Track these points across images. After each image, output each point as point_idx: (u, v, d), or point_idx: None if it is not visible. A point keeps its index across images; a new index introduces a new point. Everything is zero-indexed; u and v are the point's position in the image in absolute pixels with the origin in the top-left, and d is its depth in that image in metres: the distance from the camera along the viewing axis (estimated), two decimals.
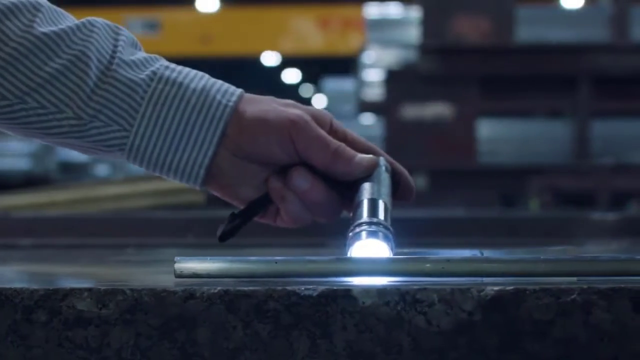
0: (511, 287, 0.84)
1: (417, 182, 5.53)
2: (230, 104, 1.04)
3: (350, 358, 0.84)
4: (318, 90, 19.66)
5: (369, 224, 0.99)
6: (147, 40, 16.19)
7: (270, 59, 21.79)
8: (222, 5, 17.64)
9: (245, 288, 0.85)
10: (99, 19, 1.07)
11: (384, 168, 1.07)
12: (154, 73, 1.05)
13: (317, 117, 1.08)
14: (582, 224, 2.09)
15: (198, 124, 1.04)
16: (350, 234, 1.00)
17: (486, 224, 2.10)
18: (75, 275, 1.21)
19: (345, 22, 15.39)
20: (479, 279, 0.89)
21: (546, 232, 2.08)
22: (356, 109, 8.30)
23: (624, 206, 5.53)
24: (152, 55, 1.08)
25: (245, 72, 23.73)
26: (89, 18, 1.07)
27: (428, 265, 0.90)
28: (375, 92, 7.12)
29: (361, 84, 7.88)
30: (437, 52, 5.58)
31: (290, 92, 27.12)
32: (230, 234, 1.06)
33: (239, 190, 1.07)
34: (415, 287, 0.84)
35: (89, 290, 0.85)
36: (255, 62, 22.07)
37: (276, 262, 0.92)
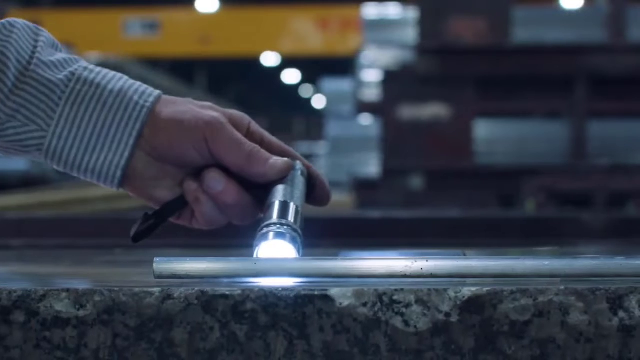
0: (488, 288, 0.84)
1: (414, 182, 5.53)
2: (147, 104, 1.05)
3: (327, 359, 0.84)
4: (318, 90, 19.67)
5: (277, 224, 1.00)
6: (146, 40, 16.18)
7: (270, 59, 21.79)
8: (222, 6, 17.63)
9: (223, 289, 0.85)
10: (20, 20, 1.07)
11: (299, 172, 1.09)
12: (72, 74, 1.05)
13: (234, 119, 1.08)
14: (573, 224, 2.09)
15: (115, 125, 1.04)
16: (258, 234, 1.00)
17: (476, 224, 2.10)
18: (57, 275, 1.21)
19: (344, 23, 15.39)
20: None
21: (537, 233, 2.07)
22: (354, 109, 8.30)
23: (622, 207, 5.53)
24: (72, 57, 1.08)
25: (245, 72, 23.74)
26: (9, 19, 1.07)
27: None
28: (373, 93, 7.13)
29: (359, 84, 7.89)
30: (433, 52, 5.59)
31: (291, 92, 27.12)
32: (144, 234, 1.07)
33: (155, 192, 1.08)
34: (392, 288, 0.84)
35: (67, 291, 0.85)
36: (255, 62, 22.07)
37: (255, 262, 0.92)
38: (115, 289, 0.85)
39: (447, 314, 0.84)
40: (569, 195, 5.41)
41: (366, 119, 8.07)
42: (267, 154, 1.07)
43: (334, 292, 0.84)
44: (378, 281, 0.89)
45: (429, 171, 5.63)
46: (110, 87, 1.05)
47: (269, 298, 0.85)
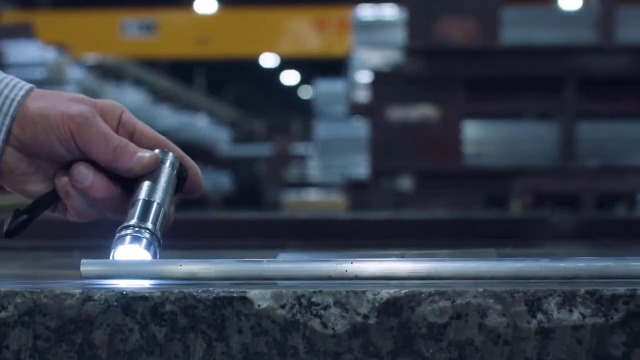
0: (406, 291, 0.84)
1: (403, 183, 5.53)
2: (18, 98, 1.05)
3: None
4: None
5: (136, 228, 1.01)
6: (144, 42, 16.18)
7: (269, 60, 21.78)
8: (220, 8, 17.63)
9: (143, 291, 0.85)
10: None
11: (168, 164, 1.08)
12: None
13: (104, 111, 1.08)
14: (542, 226, 2.08)
15: None
16: (117, 235, 1.01)
17: (446, 226, 2.09)
18: None
19: (342, 24, 15.38)
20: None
21: (506, 235, 2.07)
22: (347, 111, 8.29)
23: (612, 208, 5.52)
24: None
25: (244, 73, 23.74)
26: None
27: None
28: (365, 94, 7.12)
29: (352, 86, 7.88)
30: (423, 54, 5.58)
31: (290, 93, 27.11)
32: (18, 230, 1.07)
33: (28, 186, 1.08)
34: (311, 290, 0.84)
35: None
36: (254, 64, 22.06)
37: (181, 264, 0.92)
38: (37, 290, 0.85)
39: (366, 317, 0.84)
40: (556, 197, 5.40)
41: (358, 121, 8.06)
42: (134, 148, 1.06)
43: (252, 294, 0.84)
44: (299, 283, 0.89)
45: (418, 172, 5.62)
46: None
47: (189, 300, 0.85)
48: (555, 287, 0.85)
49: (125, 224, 1.02)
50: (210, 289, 0.85)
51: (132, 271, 0.93)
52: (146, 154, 1.06)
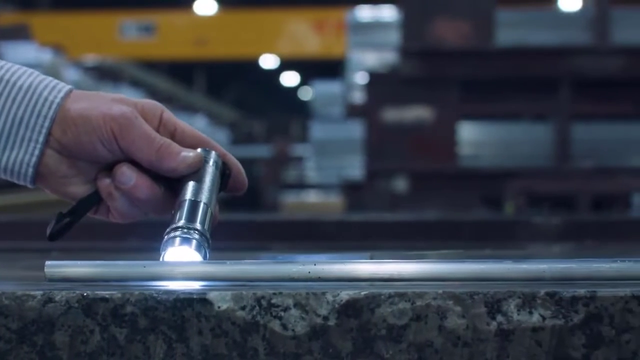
0: (366, 292, 0.84)
1: (398, 184, 5.53)
2: (57, 100, 1.04)
3: None
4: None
5: (185, 229, 1.00)
6: (143, 43, 16.19)
7: (269, 61, 21.79)
8: (219, 9, 17.63)
9: (103, 292, 0.85)
10: None
11: (211, 162, 1.07)
12: None
13: (145, 110, 1.07)
14: (525, 227, 2.08)
15: (25, 122, 1.04)
16: (165, 237, 1.00)
17: (431, 227, 2.10)
18: None
19: (340, 25, 15.38)
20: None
21: (490, 236, 2.07)
22: (344, 112, 8.30)
23: (607, 209, 5.52)
24: None
25: (244, 74, 23.74)
26: None
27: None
28: (360, 95, 7.12)
29: (348, 87, 7.88)
30: (417, 55, 5.58)
31: (290, 94, 27.11)
32: (60, 233, 1.06)
33: (69, 188, 1.07)
34: (271, 291, 0.84)
35: None
36: (254, 65, 22.06)
37: (144, 266, 0.92)
38: None
39: (325, 318, 0.84)
40: (550, 198, 5.40)
41: (354, 121, 8.07)
42: (177, 148, 1.05)
43: (212, 295, 0.84)
44: (260, 285, 0.89)
45: (413, 173, 5.62)
46: (19, 83, 1.04)
47: (149, 301, 0.85)
48: (515, 288, 0.85)
49: (174, 225, 1.00)
50: (170, 290, 0.85)
51: (95, 273, 0.93)
52: (190, 153, 1.05)
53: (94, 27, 15.67)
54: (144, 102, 1.08)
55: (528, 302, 0.84)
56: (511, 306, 0.84)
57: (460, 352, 0.84)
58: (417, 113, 5.61)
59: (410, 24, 5.69)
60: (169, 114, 1.09)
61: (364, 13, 8.06)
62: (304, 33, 16.67)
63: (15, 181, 1.07)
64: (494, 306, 0.84)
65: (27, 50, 6.92)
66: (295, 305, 0.84)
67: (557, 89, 5.76)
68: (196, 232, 1.00)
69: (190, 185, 1.05)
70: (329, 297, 0.84)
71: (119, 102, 1.06)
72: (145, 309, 0.84)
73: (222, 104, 22.73)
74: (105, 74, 10.73)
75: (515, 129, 6.13)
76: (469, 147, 5.94)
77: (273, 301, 0.84)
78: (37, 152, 1.04)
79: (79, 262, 0.93)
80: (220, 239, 2.26)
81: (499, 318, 0.84)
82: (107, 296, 0.85)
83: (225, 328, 0.84)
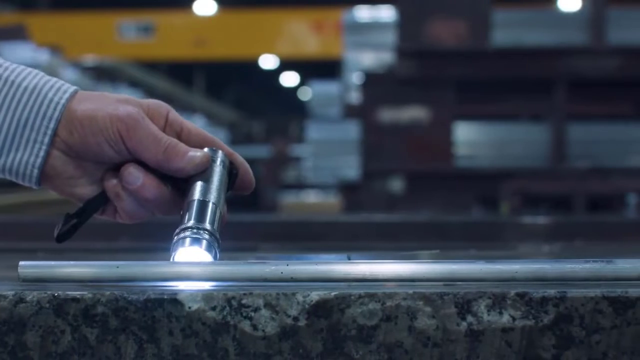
0: (336, 292, 0.84)
1: (394, 185, 5.53)
2: (62, 101, 1.04)
3: None
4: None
5: (194, 229, 1.00)
6: (141, 43, 16.18)
7: (268, 62, 21.79)
8: (217, 9, 17.63)
9: (74, 292, 0.85)
10: None
11: (218, 162, 1.07)
12: None
13: (151, 110, 1.07)
14: (514, 228, 2.08)
15: (30, 123, 1.03)
16: (175, 238, 1.00)
17: (419, 227, 2.10)
18: None
19: (339, 25, 15.38)
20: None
21: (479, 236, 2.07)
22: (341, 112, 8.29)
23: (604, 210, 5.52)
24: None
25: (244, 75, 23.74)
26: None
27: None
28: (357, 96, 7.12)
29: (346, 87, 7.88)
30: (413, 55, 5.57)
31: (289, 94, 27.10)
32: (67, 234, 1.06)
33: (76, 189, 1.07)
34: (241, 292, 0.84)
35: None
36: (254, 65, 22.06)
37: (118, 266, 0.92)
38: None
39: (295, 318, 0.84)
40: (545, 198, 5.40)
41: (351, 122, 8.07)
42: (184, 148, 1.05)
43: (182, 296, 0.84)
44: (230, 285, 0.89)
45: (409, 174, 5.62)
46: (24, 84, 1.04)
47: (119, 302, 0.85)
48: (486, 289, 0.85)
49: (183, 226, 1.00)
50: (141, 291, 0.85)
51: (68, 273, 0.93)
52: (197, 153, 1.05)
53: (92, 27, 15.66)
54: (150, 102, 1.08)
55: (498, 303, 0.84)
56: (481, 307, 0.84)
57: (430, 352, 0.84)
58: (413, 113, 5.61)
59: (406, 24, 5.69)
60: (174, 114, 1.09)
61: (362, 13, 8.06)
62: (303, 33, 16.66)
63: (21, 182, 1.07)
64: (464, 307, 0.84)
65: (24, 51, 6.92)
66: (265, 305, 0.84)
67: (553, 89, 5.75)
68: (206, 232, 1.00)
69: (198, 185, 1.05)
70: (299, 297, 0.84)
71: (124, 103, 1.05)
72: (116, 310, 0.85)
73: (222, 105, 22.73)
74: (104, 75, 10.73)
75: (512, 129, 6.12)
76: (465, 148, 5.94)
77: (243, 301, 0.84)
78: (42, 153, 1.04)
79: (52, 263, 0.93)
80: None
81: (469, 318, 0.84)
82: (78, 296, 0.85)
83: (195, 328, 0.84)
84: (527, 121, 6.44)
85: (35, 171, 1.04)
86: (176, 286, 0.89)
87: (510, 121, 6.23)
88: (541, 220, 2.13)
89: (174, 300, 0.84)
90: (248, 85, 25.76)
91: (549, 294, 0.84)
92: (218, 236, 1.01)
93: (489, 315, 0.84)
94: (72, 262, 0.93)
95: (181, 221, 1.01)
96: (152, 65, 17.29)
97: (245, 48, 17.04)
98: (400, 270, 0.90)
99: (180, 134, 1.08)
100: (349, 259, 1.06)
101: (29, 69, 1.06)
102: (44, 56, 7.18)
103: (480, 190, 5.63)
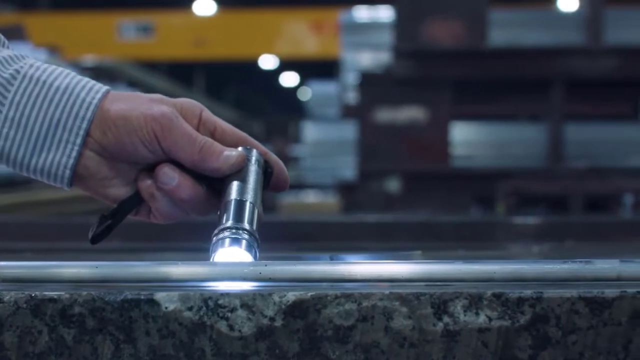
0: (312, 293, 0.84)
1: (391, 185, 5.53)
2: (95, 101, 1.02)
3: None
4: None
5: (233, 229, 0.99)
6: (141, 43, 16.19)
7: (268, 62, 21.79)
8: (217, 9, 17.63)
9: (52, 293, 0.85)
10: None
11: (253, 161, 1.06)
12: (17, 71, 1.03)
13: (185, 110, 1.06)
14: (504, 228, 2.08)
15: (62, 124, 1.02)
16: (214, 238, 0.99)
17: (411, 227, 2.10)
18: None
19: (338, 26, 15.38)
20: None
21: (470, 236, 2.07)
22: (339, 112, 8.29)
23: (603, 210, 5.51)
24: (18, 54, 1.06)
25: (243, 75, 23.74)
26: None
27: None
28: (354, 96, 7.12)
29: (344, 87, 7.88)
30: (410, 55, 5.57)
31: (289, 95, 27.10)
32: (101, 236, 1.05)
33: (110, 190, 1.06)
34: (218, 292, 0.84)
35: None
36: (253, 65, 22.06)
37: (97, 267, 0.93)
38: None
39: (272, 319, 0.84)
40: (542, 198, 5.40)
41: (349, 122, 8.08)
42: (220, 147, 1.04)
43: (159, 296, 0.84)
44: (207, 285, 0.89)
45: (406, 174, 5.62)
46: (56, 84, 1.03)
47: (97, 302, 0.85)
48: (462, 289, 0.85)
49: (222, 226, 0.99)
50: (118, 291, 0.85)
51: (46, 273, 0.93)
52: (233, 153, 1.04)
53: (92, 27, 15.66)
54: (183, 102, 1.07)
55: (474, 303, 0.84)
56: (457, 307, 0.84)
57: (407, 353, 0.84)
58: (410, 113, 5.61)
59: (403, 24, 5.69)
60: (208, 113, 1.08)
61: (361, 14, 8.06)
62: (303, 33, 16.67)
63: (52, 183, 1.06)
64: (441, 307, 0.84)
65: (22, 51, 6.89)
66: (242, 306, 0.84)
67: (551, 90, 5.75)
68: (245, 232, 0.99)
69: (235, 184, 1.03)
70: (276, 298, 0.84)
71: (158, 102, 1.04)
72: (93, 310, 0.85)
73: (222, 105, 22.72)
74: (103, 75, 10.73)
75: (509, 129, 6.12)
76: (462, 148, 5.94)
77: (220, 302, 0.84)
78: (74, 154, 1.03)
79: (31, 263, 0.93)
80: (199, 240, 2.26)
81: (446, 319, 0.84)
82: (55, 297, 0.85)
83: (172, 329, 0.84)
84: (525, 121, 6.45)
85: (67, 172, 1.03)
86: (153, 287, 0.89)
87: (508, 121, 6.23)
88: (534, 220, 2.13)
89: (150, 300, 0.84)
90: (248, 85, 25.77)
91: (525, 294, 0.84)
92: (257, 236, 1.00)
93: (465, 315, 0.84)
94: (51, 263, 0.93)
95: (219, 222, 1.00)
96: (152, 66, 17.29)
97: (245, 48, 17.05)
98: (378, 270, 0.91)
99: (214, 133, 1.07)
100: (331, 259, 1.06)
101: (61, 69, 1.05)
102: (41, 57, 7.18)
103: (477, 190, 5.63)
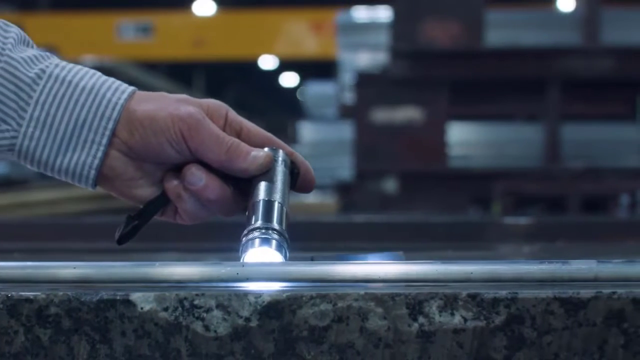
0: (288, 293, 0.84)
1: (388, 185, 5.53)
2: (121, 101, 1.02)
3: None
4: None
5: (263, 229, 0.99)
6: (140, 44, 16.19)
7: (268, 62, 21.79)
8: (217, 9, 17.64)
9: (28, 293, 0.85)
10: None
11: (280, 161, 1.06)
12: (43, 71, 1.02)
13: (211, 110, 1.05)
14: (495, 228, 2.09)
15: (87, 124, 1.02)
16: (244, 239, 0.99)
17: (404, 228, 2.10)
18: None
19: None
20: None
21: (462, 236, 2.07)
22: (336, 113, 8.30)
23: (601, 210, 5.52)
24: (44, 53, 1.05)
25: (243, 75, 23.75)
26: None
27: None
28: (351, 96, 7.12)
29: (341, 87, 7.88)
30: (407, 55, 5.57)
31: (289, 95, 27.11)
32: (128, 236, 1.05)
33: (136, 191, 1.06)
34: (193, 292, 0.84)
35: None
36: (253, 65, 22.06)
37: (75, 267, 0.93)
38: None
39: (247, 319, 0.84)
40: (538, 198, 5.40)
41: (346, 122, 8.09)
42: (247, 148, 1.04)
43: (135, 296, 0.85)
44: (183, 286, 0.89)
45: (403, 174, 5.62)
46: (82, 84, 1.02)
47: (72, 302, 0.85)
48: (438, 290, 0.85)
49: (251, 227, 0.99)
50: (94, 291, 0.85)
51: (24, 274, 0.93)
52: (260, 153, 1.04)
53: (91, 27, 15.67)
54: (209, 102, 1.06)
55: (450, 304, 0.84)
56: (433, 307, 0.84)
57: (382, 353, 0.84)
58: (407, 114, 5.61)
59: (400, 25, 5.69)
60: (233, 114, 1.08)
61: (359, 14, 8.06)
62: (303, 34, 16.67)
63: (77, 184, 1.05)
64: (416, 307, 0.84)
65: None
66: (217, 306, 0.84)
67: (547, 90, 5.76)
68: (275, 232, 0.99)
69: (263, 185, 1.03)
70: (251, 298, 0.84)
71: (184, 103, 1.04)
72: (69, 310, 0.85)
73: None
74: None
75: (505, 129, 6.13)
76: (459, 148, 5.95)
77: (195, 302, 0.84)
78: (99, 154, 1.02)
79: (8, 264, 0.94)
80: (190, 240, 2.26)
81: (421, 319, 0.84)
82: (31, 297, 0.85)
83: (148, 329, 0.84)
84: (522, 121, 6.45)
85: (92, 172, 1.03)
86: (129, 287, 0.89)
87: (505, 121, 6.24)
88: (526, 221, 2.13)
89: (126, 301, 0.84)
90: (248, 85, 25.76)
91: (500, 295, 0.84)
92: (287, 236, 1.00)
93: (440, 316, 0.84)
94: (28, 263, 0.93)
95: (247, 222, 1.00)
96: (152, 66, 17.29)
97: (245, 48, 17.05)
98: (355, 271, 0.91)
99: (240, 134, 1.07)
100: (312, 260, 1.06)
101: (86, 69, 1.04)
102: None
103: (474, 190, 5.64)
